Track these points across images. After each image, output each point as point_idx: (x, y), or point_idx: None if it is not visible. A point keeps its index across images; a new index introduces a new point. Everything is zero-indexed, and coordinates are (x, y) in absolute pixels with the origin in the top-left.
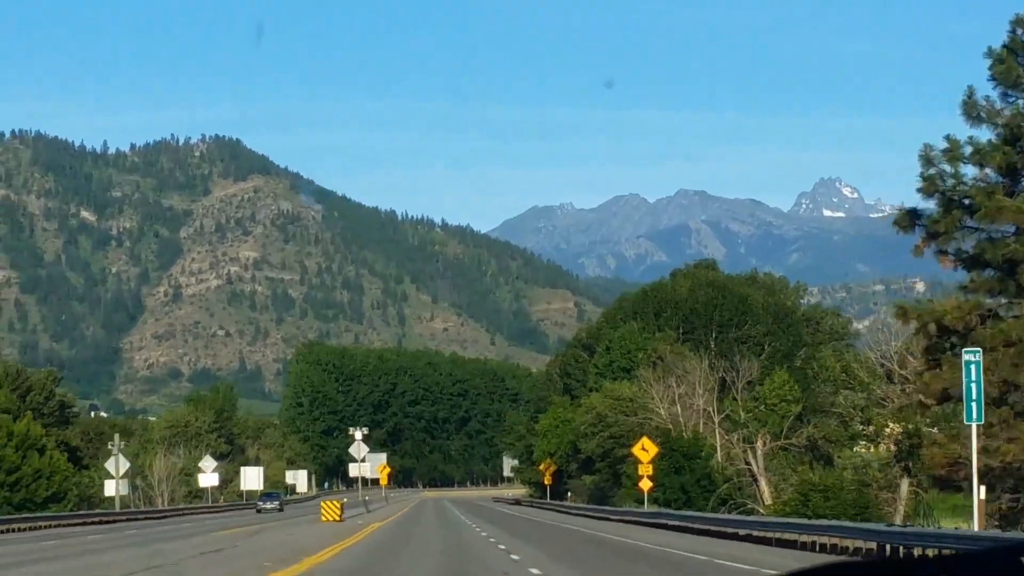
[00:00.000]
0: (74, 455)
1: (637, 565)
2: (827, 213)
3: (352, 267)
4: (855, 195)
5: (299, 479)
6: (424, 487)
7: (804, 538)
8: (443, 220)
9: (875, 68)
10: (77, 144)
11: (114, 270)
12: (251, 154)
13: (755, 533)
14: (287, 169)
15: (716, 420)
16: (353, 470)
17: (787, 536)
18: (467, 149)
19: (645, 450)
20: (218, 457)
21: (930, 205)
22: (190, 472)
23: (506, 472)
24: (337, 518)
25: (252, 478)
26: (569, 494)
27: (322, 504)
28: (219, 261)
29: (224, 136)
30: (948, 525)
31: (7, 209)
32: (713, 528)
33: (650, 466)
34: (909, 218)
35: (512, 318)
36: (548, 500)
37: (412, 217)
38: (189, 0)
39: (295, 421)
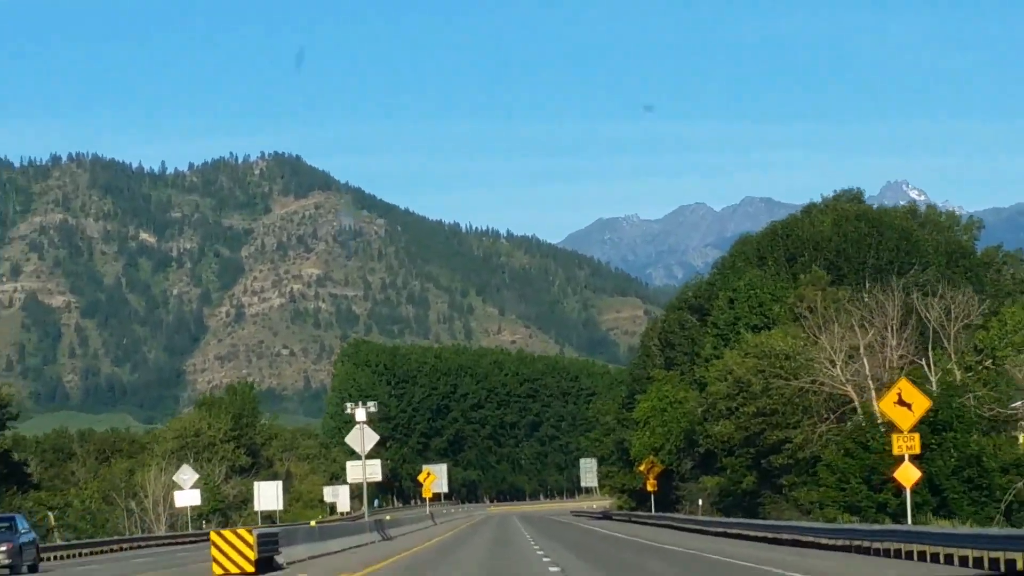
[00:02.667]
0: (15, 471)
1: None
2: None
3: (417, 281)
4: (923, 197)
5: (340, 496)
6: (491, 501)
7: None
8: (508, 231)
9: (939, 72)
10: (135, 166)
11: (175, 292)
12: (311, 170)
13: None
14: (348, 184)
15: (933, 379)
16: (353, 472)
17: None
18: (530, 165)
19: (905, 405)
20: (237, 471)
21: None
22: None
23: (585, 482)
24: (246, 567)
25: (269, 496)
26: (700, 502)
27: (214, 539)
28: (281, 279)
29: (283, 153)
30: None
31: (65, 233)
32: None
33: (916, 438)
34: None
35: (581, 328)
36: (653, 512)
37: (476, 229)
38: (240, 20)
39: (341, 431)
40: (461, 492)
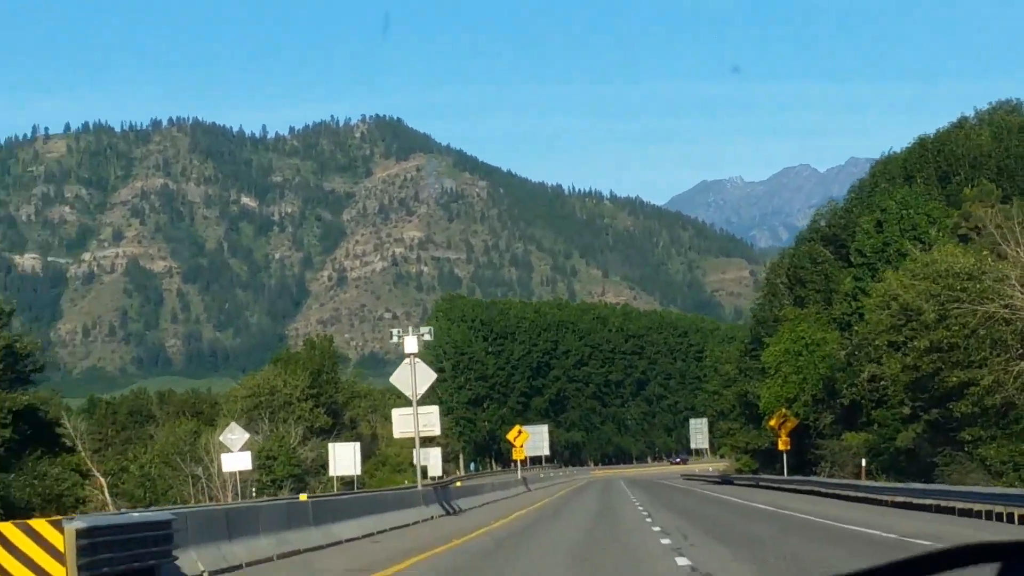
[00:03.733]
0: (43, 431)
1: None
2: None
3: (520, 243)
4: None
5: (431, 459)
6: (595, 465)
7: None
8: (611, 192)
9: None
10: (235, 129)
11: (277, 256)
12: (413, 133)
13: None
14: (449, 147)
15: None
16: (401, 424)
17: None
18: (634, 127)
19: None
20: (316, 433)
21: None
22: (273, 454)
23: (695, 443)
24: None
25: (345, 459)
26: (863, 463)
27: None
28: (383, 243)
29: (385, 116)
30: None
31: (166, 198)
32: None
33: None
34: None
35: (686, 290)
36: (785, 475)
37: (579, 191)
38: None
39: (435, 390)
40: (564, 455)
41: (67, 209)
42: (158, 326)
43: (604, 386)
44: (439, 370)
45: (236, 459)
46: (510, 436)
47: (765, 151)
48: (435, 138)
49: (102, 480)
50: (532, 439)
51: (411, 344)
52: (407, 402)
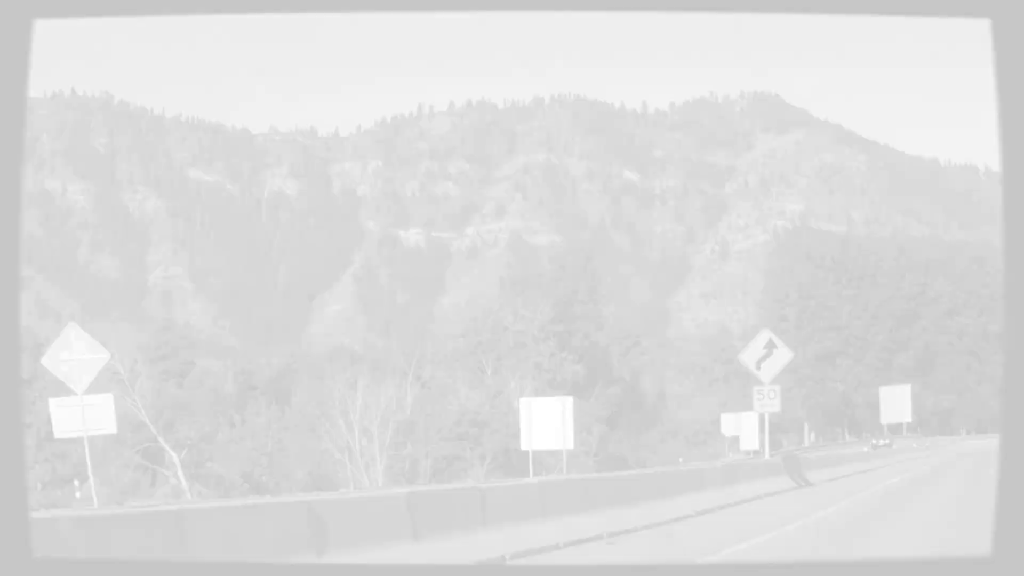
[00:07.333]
0: None
1: None
2: None
3: (898, 217)
4: None
5: (743, 426)
6: (967, 433)
7: None
8: (986, 167)
9: None
10: (617, 105)
11: (659, 230)
12: (791, 108)
13: None
14: (827, 121)
15: None
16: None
17: None
18: None
19: None
20: (561, 387)
21: None
22: (482, 419)
23: None
24: None
25: (547, 424)
26: None
27: None
28: (764, 216)
29: (763, 91)
30: None
31: (549, 173)
32: None
33: None
34: None
35: None
36: None
37: (955, 165)
38: None
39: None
40: (931, 421)
41: (451, 184)
42: None
43: (982, 339)
44: (781, 318)
45: (79, 410)
46: (746, 356)
47: None
48: (813, 113)
49: (173, 455)
50: (892, 401)
51: None
52: None
